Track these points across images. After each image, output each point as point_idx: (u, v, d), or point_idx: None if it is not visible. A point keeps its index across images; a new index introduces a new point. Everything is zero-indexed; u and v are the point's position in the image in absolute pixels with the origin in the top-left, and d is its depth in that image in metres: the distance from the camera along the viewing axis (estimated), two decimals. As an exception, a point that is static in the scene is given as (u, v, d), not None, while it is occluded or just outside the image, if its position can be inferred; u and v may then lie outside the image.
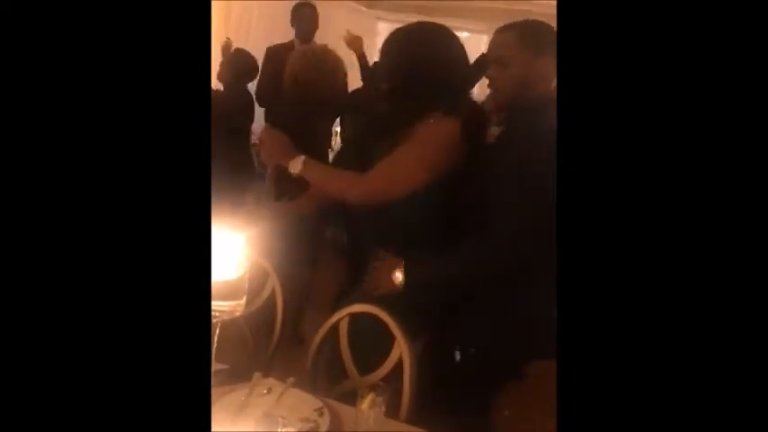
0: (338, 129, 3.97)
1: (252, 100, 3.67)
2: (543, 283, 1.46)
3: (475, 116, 1.59)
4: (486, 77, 1.55)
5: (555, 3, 0.85)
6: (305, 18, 3.75)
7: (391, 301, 1.55)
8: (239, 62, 3.61)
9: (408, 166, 1.57)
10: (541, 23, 1.55)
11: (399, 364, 1.47)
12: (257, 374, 1.38)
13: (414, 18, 2.48)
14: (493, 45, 1.56)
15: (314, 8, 3.78)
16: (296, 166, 1.64)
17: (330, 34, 3.82)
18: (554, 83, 1.52)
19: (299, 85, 2.53)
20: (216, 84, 3.63)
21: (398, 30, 1.68)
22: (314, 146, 2.48)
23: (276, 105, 3.05)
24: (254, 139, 3.45)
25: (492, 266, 1.48)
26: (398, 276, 1.55)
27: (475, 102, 1.68)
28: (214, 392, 1.11)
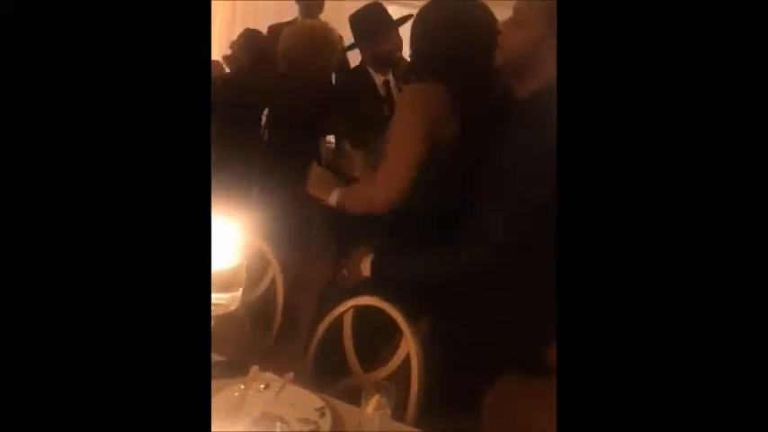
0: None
1: (268, 83, 3.45)
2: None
3: (470, 81, 1.49)
4: (498, 31, 1.40)
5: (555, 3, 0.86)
6: None
7: (399, 293, 1.47)
8: (251, 43, 3.44)
9: (406, 145, 1.52)
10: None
11: (406, 362, 1.39)
12: (254, 368, 1.30)
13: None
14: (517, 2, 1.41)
15: None
16: (333, 199, 1.70)
17: (339, 15, 3.70)
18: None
19: (290, 61, 2.49)
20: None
21: (430, 3, 1.61)
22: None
23: (269, 83, 2.90)
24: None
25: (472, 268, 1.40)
26: (366, 268, 1.52)
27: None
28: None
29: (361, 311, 1.50)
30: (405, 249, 1.53)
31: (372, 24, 2.55)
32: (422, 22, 1.59)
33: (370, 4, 2.68)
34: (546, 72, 1.35)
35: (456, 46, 1.50)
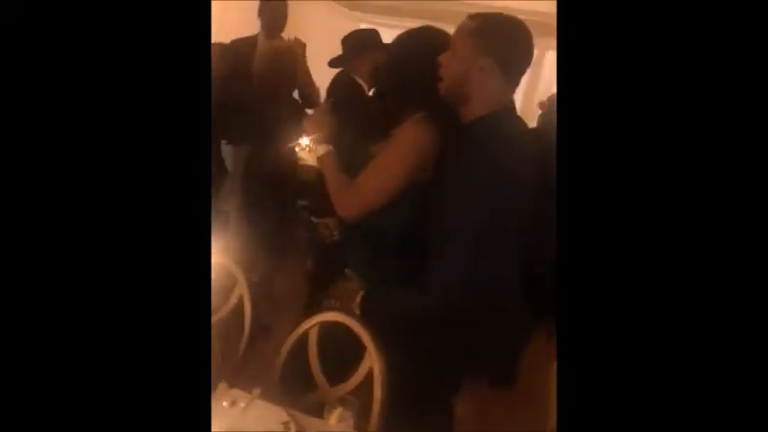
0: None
1: (246, 94, 3.33)
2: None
3: (450, 119, 1.54)
4: (438, 64, 1.45)
5: (555, 3, 0.86)
6: (272, 12, 3.53)
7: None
8: (227, 57, 3.36)
9: (390, 171, 1.54)
10: (509, 19, 1.42)
11: (369, 376, 1.43)
12: (222, 385, 1.33)
13: (395, 21, 2.54)
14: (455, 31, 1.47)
15: (284, 3, 3.40)
16: (320, 150, 1.65)
17: (309, 34, 3.72)
18: (498, 95, 1.42)
19: (262, 85, 2.57)
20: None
21: (403, 33, 1.65)
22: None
23: (238, 101, 2.90)
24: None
25: (455, 307, 1.39)
26: (357, 302, 1.51)
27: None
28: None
29: (326, 327, 1.54)
30: (391, 288, 1.53)
31: (366, 41, 2.65)
32: (397, 46, 1.65)
33: (364, 29, 2.78)
34: (484, 96, 1.41)
35: (423, 71, 1.55)
